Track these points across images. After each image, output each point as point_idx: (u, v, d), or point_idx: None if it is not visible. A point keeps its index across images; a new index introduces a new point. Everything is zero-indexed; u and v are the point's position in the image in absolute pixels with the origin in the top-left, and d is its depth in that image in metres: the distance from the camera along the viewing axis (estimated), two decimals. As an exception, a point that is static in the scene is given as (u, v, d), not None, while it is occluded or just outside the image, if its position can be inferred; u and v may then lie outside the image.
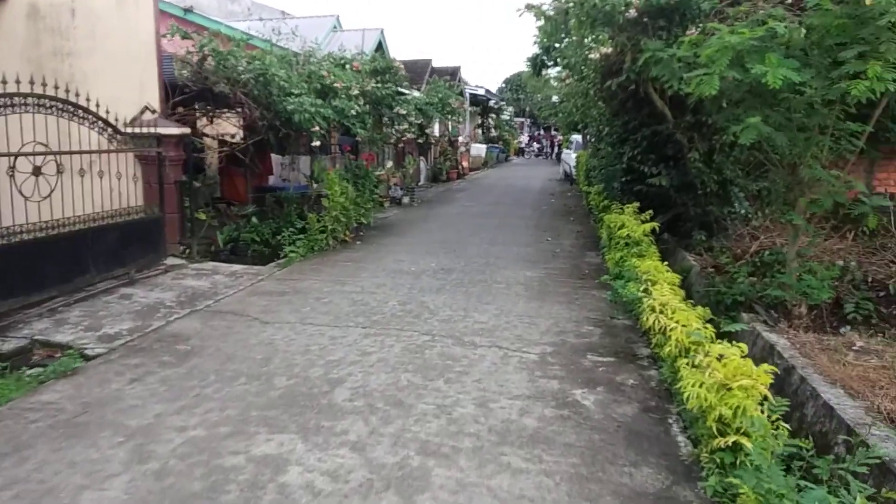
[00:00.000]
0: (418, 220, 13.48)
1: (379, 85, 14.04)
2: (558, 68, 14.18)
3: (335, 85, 11.05)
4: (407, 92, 17.46)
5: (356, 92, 11.36)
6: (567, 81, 11.92)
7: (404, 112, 15.95)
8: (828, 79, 5.48)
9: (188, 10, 14.95)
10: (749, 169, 9.47)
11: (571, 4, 7.60)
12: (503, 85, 54.33)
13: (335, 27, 20.18)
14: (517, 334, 5.65)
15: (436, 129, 25.98)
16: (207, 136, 10.98)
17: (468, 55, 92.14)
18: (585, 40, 8.40)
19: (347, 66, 12.13)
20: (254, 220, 10.59)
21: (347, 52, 14.58)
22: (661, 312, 4.71)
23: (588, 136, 17.63)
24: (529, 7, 7.91)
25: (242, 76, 8.70)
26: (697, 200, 9.34)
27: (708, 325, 4.29)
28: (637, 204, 8.40)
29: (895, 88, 4.93)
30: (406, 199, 16.55)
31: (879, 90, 4.91)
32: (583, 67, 9.35)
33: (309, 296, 7.03)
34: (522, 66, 12.76)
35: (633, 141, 10.24)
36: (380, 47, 19.98)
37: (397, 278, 7.90)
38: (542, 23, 8.02)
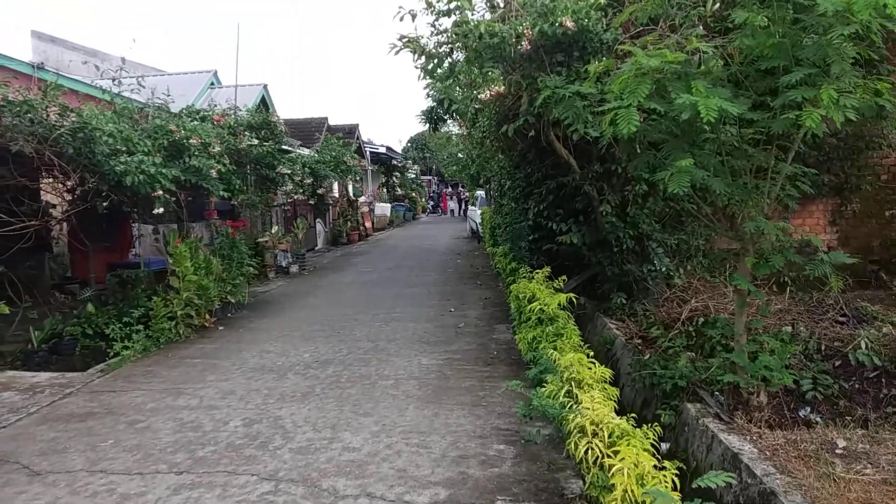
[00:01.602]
0: (304, 293, 11.70)
1: (255, 142, 12.44)
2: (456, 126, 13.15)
3: (190, 141, 9.32)
4: (291, 149, 15.93)
5: (217, 149, 9.66)
6: (461, 130, 10.81)
7: (288, 171, 14.35)
8: (769, 109, 4.38)
9: (39, 67, 12.90)
10: (665, 221, 8.47)
11: (453, 37, 6.38)
12: (408, 144, 53.91)
13: (213, 83, 18.50)
14: (400, 467, 4.01)
15: (334, 189, 24.46)
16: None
17: (372, 115, 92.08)
18: (475, 80, 7.22)
19: (207, 120, 10.43)
20: (89, 307, 8.49)
21: (218, 108, 12.95)
22: (596, 436, 3.26)
23: (490, 191, 16.65)
24: (407, 42, 6.62)
25: (54, 132, 6.84)
26: (613, 259, 8.22)
27: (668, 466, 2.86)
28: (548, 269, 7.12)
29: (855, 116, 3.84)
30: (294, 268, 14.73)
31: (838, 120, 3.80)
32: (475, 112, 8.15)
33: (122, 419, 5.12)
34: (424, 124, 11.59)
35: (537, 195, 9.11)
36: (263, 103, 18.41)
37: (254, 380, 6.11)
38: (422, 60, 6.75)
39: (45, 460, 4.34)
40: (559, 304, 5.68)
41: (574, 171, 8.02)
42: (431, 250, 18.70)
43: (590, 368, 4.17)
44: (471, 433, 4.52)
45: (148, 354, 7.40)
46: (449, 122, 12.31)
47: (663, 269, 8.26)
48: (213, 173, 9.39)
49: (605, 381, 4.16)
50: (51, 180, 7.95)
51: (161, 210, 8.14)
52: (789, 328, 5.93)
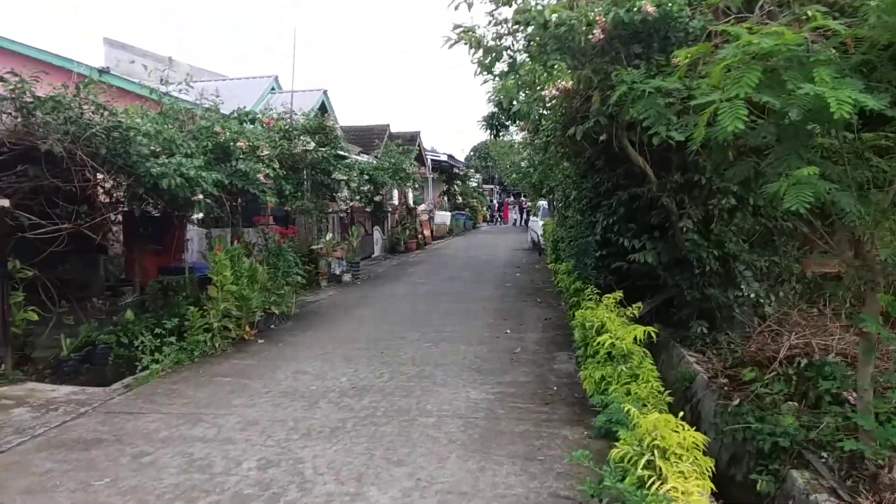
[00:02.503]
0: (353, 304, 11.10)
1: (311, 147, 12.00)
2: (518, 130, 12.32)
3: (237, 144, 8.89)
4: (347, 155, 15.48)
5: (266, 152, 9.20)
6: (522, 135, 9.98)
7: (344, 178, 13.88)
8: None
9: (103, 72, 12.93)
10: (753, 240, 7.37)
11: (514, 26, 5.59)
12: (471, 153, 53.29)
13: (273, 88, 18.32)
14: (431, 544, 3.23)
15: (394, 197, 24.01)
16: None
17: (436, 124, 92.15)
18: (539, 77, 6.40)
19: (257, 123, 10.01)
20: (129, 313, 8.11)
21: (272, 111, 12.60)
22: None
23: (553, 202, 15.70)
24: (462, 34, 5.88)
25: (88, 130, 6.45)
26: (693, 281, 7.19)
27: None
28: (619, 294, 6.19)
29: None
30: (347, 277, 14.20)
31: None
32: (539, 113, 7.31)
33: (128, 449, 4.56)
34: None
35: (606, 207, 8.17)
36: (323, 109, 18.09)
37: (282, 408, 5.46)
38: (479, 54, 5.99)
39: (28, 501, 3.78)
40: (635, 339, 4.77)
41: (650, 182, 7.07)
42: (490, 262, 17.87)
43: (677, 431, 3.27)
44: (523, 500, 3.67)
45: (179, 368, 6.90)
46: (511, 128, 11.54)
47: (752, 295, 7.16)
48: (261, 177, 8.92)
49: (698, 448, 3.25)
50: (92, 181, 7.61)
51: (201, 215, 7.68)
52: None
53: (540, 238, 18.87)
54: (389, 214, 23.31)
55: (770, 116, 4.08)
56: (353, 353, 7.45)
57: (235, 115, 9.84)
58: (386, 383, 6.13)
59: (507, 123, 11.13)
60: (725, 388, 5.53)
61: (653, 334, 4.90)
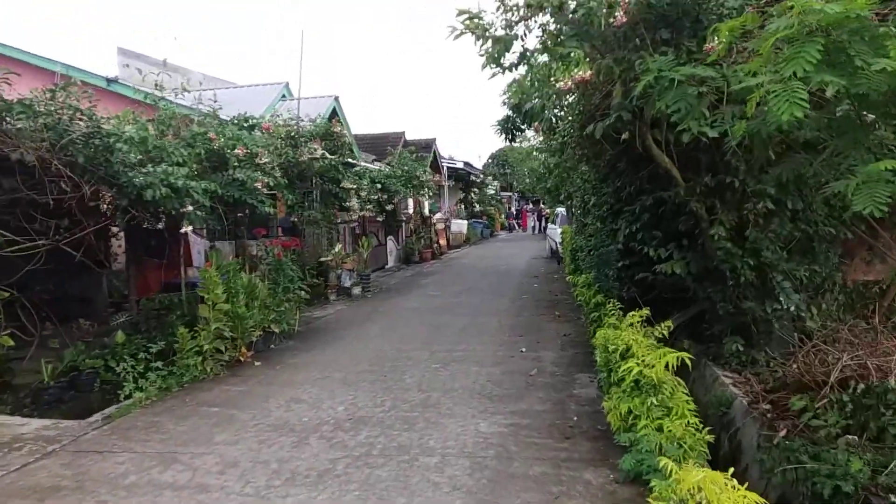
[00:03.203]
0: (361, 320, 10.51)
1: (318, 155, 11.49)
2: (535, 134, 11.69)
3: (235, 151, 8.37)
4: (357, 163, 14.96)
5: (265, 160, 8.66)
6: (537, 137, 9.34)
7: (353, 186, 13.34)
8: None
9: (112, 81, 12.58)
10: (791, 248, 6.64)
11: (525, 10, 4.97)
12: (489, 160, 52.69)
13: (284, 95, 17.90)
14: None
15: (409, 206, 23.47)
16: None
17: (453, 131, 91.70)
18: (553, 71, 5.76)
19: (256, 129, 9.49)
20: (119, 335, 7.61)
21: (280, 118, 12.13)
22: None
23: (572, 208, 14.99)
24: (467, 21, 5.27)
25: (65, 137, 5.95)
26: (727, 294, 6.49)
27: None
28: (646, 311, 5.50)
29: None
30: (357, 290, 13.62)
31: None
32: (554, 113, 6.67)
33: (88, 499, 3.98)
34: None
35: (629, 213, 7.49)
36: (335, 115, 17.61)
37: (267, 445, 4.86)
38: (487, 45, 5.37)
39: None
40: (666, 365, 4.09)
41: (677, 185, 6.39)
42: (507, 272, 17.19)
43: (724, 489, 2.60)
44: (537, 572, 3.02)
45: (165, 396, 6.35)
46: (527, 132, 10.89)
47: (792, 308, 6.41)
48: (259, 186, 8.38)
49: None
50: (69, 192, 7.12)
51: (190, 228, 7.14)
52: None
53: (559, 246, 18.17)
54: (403, 224, 22.77)
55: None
56: (355, 376, 6.84)
57: (233, 121, 9.33)
58: (386, 413, 5.51)
59: (521, 127, 10.51)
60: (768, 416, 4.84)
61: (687, 361, 4.22)
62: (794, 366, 6.04)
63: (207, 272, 7.18)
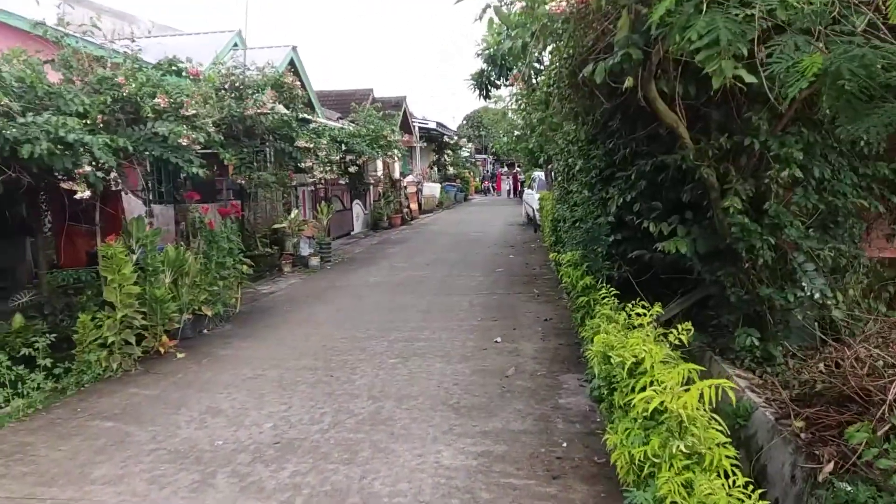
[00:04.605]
0: (315, 297, 9.26)
1: (269, 109, 10.08)
2: (513, 88, 10.38)
3: (156, 100, 6.93)
4: (313, 119, 13.50)
5: (193, 111, 7.23)
6: (514, 94, 8.06)
7: (310, 145, 11.92)
8: None
9: (39, 24, 10.83)
10: (811, 223, 5.55)
11: None
12: (463, 121, 51.02)
13: (236, 44, 16.16)
14: None
15: (378, 168, 22.03)
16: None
17: (426, 91, 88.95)
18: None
19: (184, 74, 8.01)
20: (17, 318, 6.27)
21: (222, 67, 10.61)
22: None
23: (552, 173, 13.78)
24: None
25: None
26: (739, 277, 5.42)
27: None
28: (658, 308, 4.36)
29: None
30: (315, 261, 12.32)
31: None
32: (537, 52, 5.40)
33: None
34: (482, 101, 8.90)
35: (622, 180, 6.35)
36: (293, 69, 15.99)
37: (159, 486, 3.64)
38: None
39: None
40: (700, 396, 2.94)
41: (685, 147, 5.21)
42: (480, 240, 16.01)
43: None
44: None
45: (54, 403, 5.09)
46: (502, 91, 9.61)
47: (816, 294, 5.32)
48: (184, 142, 6.97)
49: None
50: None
51: (87, 193, 5.76)
52: None
53: (536, 213, 17.01)
54: (371, 187, 21.38)
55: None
56: (294, 375, 5.63)
57: (155, 65, 7.81)
58: (324, 434, 4.32)
59: (497, 82, 9.21)
60: (804, 438, 3.80)
61: (730, 393, 3.08)
62: (821, 365, 5.01)
63: (109, 248, 5.82)
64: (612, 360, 3.67)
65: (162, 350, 6.39)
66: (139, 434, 4.43)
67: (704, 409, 3.09)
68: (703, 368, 3.29)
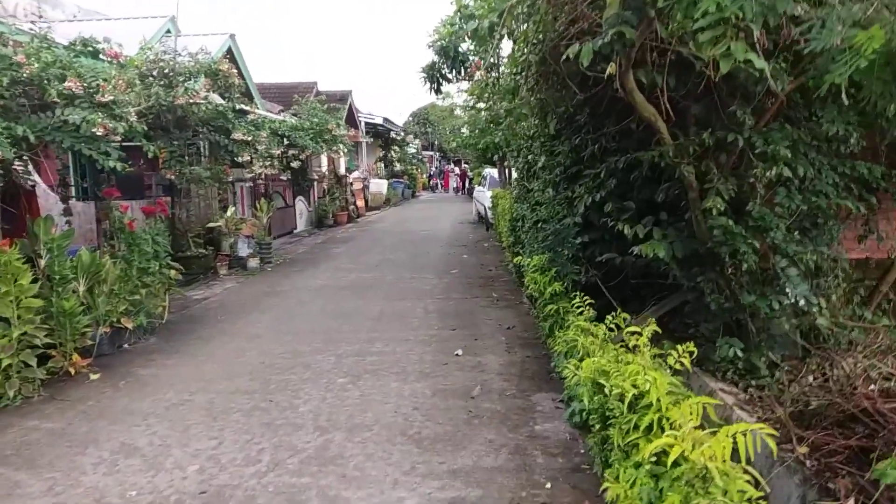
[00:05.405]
0: (252, 304, 8.44)
1: (202, 98, 9.19)
2: (462, 84, 9.84)
3: (67, 84, 6.02)
4: (251, 111, 12.60)
5: (109, 98, 6.33)
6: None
7: (248, 138, 11.02)
8: None
9: None
10: (790, 225, 5.20)
11: None
12: (409, 118, 50.24)
13: (169, 31, 15.00)
14: None
15: (323, 164, 21.10)
16: None
17: (371, 87, 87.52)
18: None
19: (102, 57, 7.07)
20: None
21: (150, 53, 9.63)
22: None
23: (506, 170, 13.27)
24: None
25: None
26: (719, 284, 5.03)
27: None
28: (652, 326, 3.84)
29: None
30: (254, 262, 11.44)
31: None
32: (505, 31, 4.81)
33: None
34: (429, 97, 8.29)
35: (590, 179, 5.90)
36: (231, 57, 14.96)
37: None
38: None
39: None
40: (734, 447, 2.41)
41: (663, 143, 4.76)
42: (430, 238, 15.39)
43: None
44: None
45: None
46: (450, 87, 9.02)
47: (801, 301, 4.95)
48: (100, 132, 6.08)
49: None
50: None
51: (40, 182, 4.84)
52: None
53: (488, 211, 16.52)
54: (316, 183, 20.45)
55: None
56: (227, 400, 4.88)
57: (67, 45, 6.85)
58: (261, 479, 3.62)
59: (449, 75, 8.64)
60: (810, 466, 3.40)
61: (772, 445, 2.57)
62: (811, 378, 4.66)
63: (3, 254, 4.91)
64: (606, 391, 3.12)
65: (73, 371, 5.51)
66: (32, 484, 3.62)
67: (746, 468, 2.56)
68: (761, 430, 2.75)
